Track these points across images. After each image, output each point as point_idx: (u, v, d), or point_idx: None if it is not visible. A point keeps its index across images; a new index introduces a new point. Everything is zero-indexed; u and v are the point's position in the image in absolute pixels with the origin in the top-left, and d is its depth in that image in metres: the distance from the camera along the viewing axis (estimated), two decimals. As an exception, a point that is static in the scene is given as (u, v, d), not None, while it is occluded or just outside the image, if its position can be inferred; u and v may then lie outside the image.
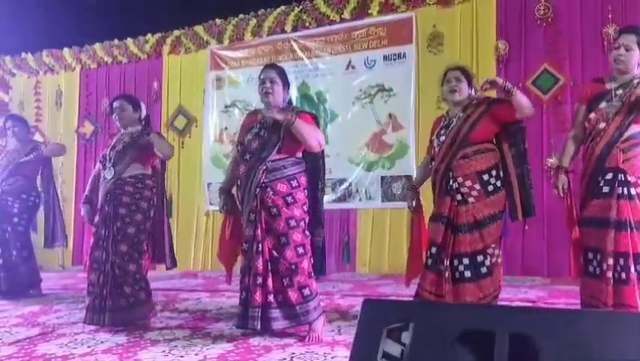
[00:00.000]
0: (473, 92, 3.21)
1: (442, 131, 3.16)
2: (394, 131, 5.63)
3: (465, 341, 1.29)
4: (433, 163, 3.19)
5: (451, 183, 3.06)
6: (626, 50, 2.84)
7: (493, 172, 3.05)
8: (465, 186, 3.03)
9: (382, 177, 5.65)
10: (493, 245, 3.02)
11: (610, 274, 2.72)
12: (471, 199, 3.01)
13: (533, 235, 4.92)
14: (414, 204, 3.31)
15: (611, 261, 2.72)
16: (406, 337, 1.33)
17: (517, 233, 4.96)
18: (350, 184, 5.78)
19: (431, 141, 3.29)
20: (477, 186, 3.02)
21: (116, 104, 3.64)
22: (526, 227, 4.92)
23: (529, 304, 3.64)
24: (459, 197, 3.03)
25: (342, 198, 5.81)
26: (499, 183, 3.04)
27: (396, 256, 5.41)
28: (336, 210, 5.76)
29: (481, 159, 3.04)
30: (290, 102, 3.31)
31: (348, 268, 5.68)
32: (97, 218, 3.47)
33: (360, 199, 5.75)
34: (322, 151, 3.17)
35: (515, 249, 4.98)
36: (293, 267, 2.95)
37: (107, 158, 3.53)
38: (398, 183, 5.55)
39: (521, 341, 1.23)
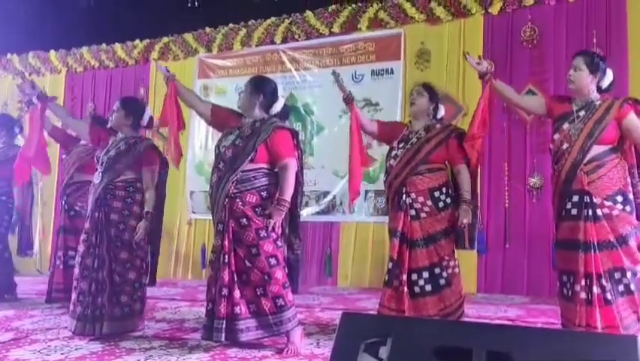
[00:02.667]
0: (441, 112, 3.37)
1: (401, 145, 3.26)
2: (380, 145, 5.64)
3: (442, 357, 1.28)
4: (387, 177, 3.29)
5: (404, 198, 3.18)
6: (574, 70, 2.95)
7: (444, 189, 3.20)
8: (418, 202, 3.17)
9: (366, 191, 5.66)
10: (447, 257, 3.16)
11: (583, 295, 2.76)
12: (423, 215, 3.16)
13: (514, 253, 4.95)
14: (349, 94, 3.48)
15: (583, 282, 2.76)
16: (383, 352, 1.33)
17: (497, 251, 5.00)
18: (334, 197, 5.78)
19: (387, 128, 3.48)
20: (429, 202, 3.16)
21: (115, 104, 3.59)
22: (507, 245, 4.96)
23: (508, 323, 3.65)
24: (412, 212, 3.17)
25: (326, 211, 5.81)
26: (448, 200, 3.20)
27: (378, 271, 5.40)
28: (320, 222, 5.75)
29: (433, 177, 3.20)
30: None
31: (330, 281, 5.67)
32: (86, 225, 3.38)
33: (343, 212, 5.75)
34: (300, 166, 3.17)
35: (495, 267, 5.01)
36: (266, 277, 2.92)
37: (99, 161, 3.47)
38: (382, 197, 5.55)
39: (498, 359, 1.23)
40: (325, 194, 5.80)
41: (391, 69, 5.66)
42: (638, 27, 4.70)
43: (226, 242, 2.93)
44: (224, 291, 2.90)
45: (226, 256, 2.92)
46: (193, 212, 6.35)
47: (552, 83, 5.00)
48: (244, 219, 2.93)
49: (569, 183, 2.85)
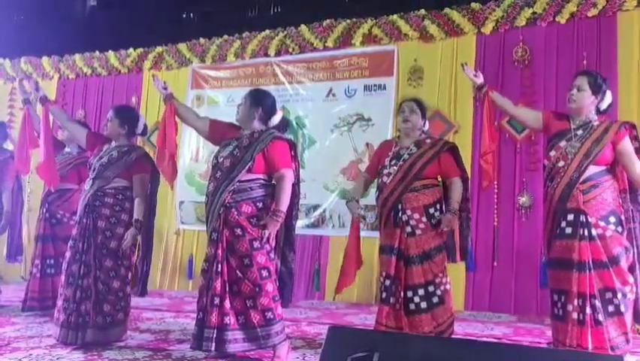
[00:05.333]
0: (427, 126, 3.37)
1: (393, 162, 3.25)
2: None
3: (429, 373, 1.28)
4: (380, 194, 3.27)
5: (400, 215, 3.17)
6: (578, 91, 2.97)
7: (438, 205, 3.21)
8: (413, 219, 3.17)
9: (356, 206, 5.65)
10: (440, 274, 3.15)
11: (575, 315, 2.76)
12: (418, 231, 3.16)
13: (502, 271, 4.95)
14: (361, 212, 3.39)
15: (575, 302, 2.76)
16: (369, 367, 1.32)
17: (485, 269, 5.00)
18: (324, 211, 5.77)
19: (375, 164, 3.42)
20: (424, 219, 3.16)
21: (108, 113, 3.59)
22: (495, 263, 4.96)
23: (494, 341, 3.65)
24: (408, 229, 3.16)
25: (316, 224, 5.79)
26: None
27: (366, 286, 5.39)
28: (309, 235, 5.74)
29: (428, 193, 3.20)
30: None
31: (317, 295, 5.63)
32: (74, 231, 3.36)
33: (333, 226, 5.74)
34: (297, 178, 3.18)
35: (483, 285, 5.01)
36: (257, 289, 2.90)
37: (91, 168, 3.45)
38: (372, 212, 5.55)
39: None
40: (315, 207, 5.79)
41: (384, 85, 5.69)
42: (628, 50, 4.76)
43: (219, 251, 2.92)
44: (216, 300, 2.88)
45: (219, 265, 2.91)
46: (182, 222, 6.30)
47: (542, 103, 5.04)
48: (239, 229, 2.92)
49: (563, 201, 2.86)
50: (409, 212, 3.15)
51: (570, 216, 2.85)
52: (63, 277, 3.30)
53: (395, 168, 3.22)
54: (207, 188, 3.07)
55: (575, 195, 2.84)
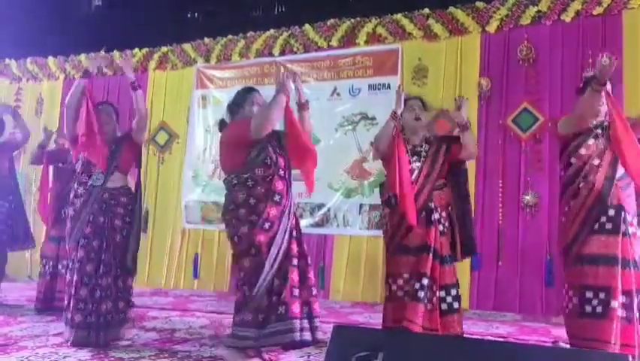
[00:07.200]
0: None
1: (415, 158, 3.21)
2: (375, 159, 5.66)
3: (433, 372, 1.28)
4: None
5: (433, 213, 3.12)
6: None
7: (450, 207, 3.22)
8: (442, 218, 3.14)
9: (361, 205, 5.66)
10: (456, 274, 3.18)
11: (621, 312, 2.72)
12: (445, 230, 3.13)
13: (506, 270, 4.95)
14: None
15: (621, 299, 2.73)
16: (374, 366, 1.32)
17: (490, 268, 4.99)
18: (328, 210, 5.78)
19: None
20: (447, 218, 3.18)
21: (108, 113, 3.55)
22: (500, 262, 4.96)
23: (500, 340, 3.64)
24: (440, 228, 3.13)
25: (320, 223, 5.80)
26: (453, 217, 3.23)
27: (371, 285, 5.40)
28: (313, 234, 5.74)
29: (447, 192, 3.21)
30: None
31: (322, 294, 5.64)
32: (87, 229, 3.27)
33: (337, 225, 5.75)
34: None
35: (488, 284, 5.00)
36: (314, 286, 3.01)
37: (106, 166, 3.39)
38: (377, 211, 5.56)
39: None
40: (320, 206, 5.80)
41: (388, 84, 5.69)
42: (633, 49, 4.75)
43: (294, 246, 2.99)
44: (296, 292, 2.88)
45: (294, 260, 2.96)
46: (187, 222, 6.32)
47: (547, 102, 5.03)
48: (298, 231, 3.11)
49: (604, 197, 2.85)
50: (439, 210, 3.13)
51: (611, 212, 2.84)
52: (75, 277, 3.23)
53: (418, 164, 3.18)
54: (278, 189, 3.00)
55: (614, 191, 2.85)
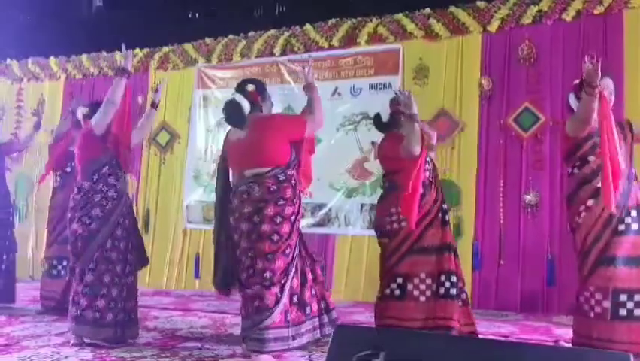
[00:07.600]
0: None
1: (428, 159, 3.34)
2: (376, 159, 5.66)
3: (435, 371, 1.28)
4: (427, 191, 3.22)
5: (447, 214, 3.28)
6: (610, 93, 3.02)
7: None
8: (447, 215, 3.32)
9: (362, 204, 5.66)
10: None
11: None
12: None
13: (508, 269, 4.95)
14: None
15: None
16: (376, 365, 1.33)
17: (491, 268, 5.00)
18: (329, 209, 5.78)
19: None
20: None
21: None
22: (501, 262, 4.96)
23: (501, 339, 3.65)
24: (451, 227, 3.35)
25: (321, 223, 5.80)
26: None
27: (372, 284, 5.38)
28: (314, 234, 5.75)
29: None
30: None
31: (323, 293, 5.65)
32: (118, 231, 3.34)
33: (338, 225, 5.75)
34: None
35: (489, 283, 5.00)
36: (323, 281, 3.17)
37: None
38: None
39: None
40: (321, 206, 5.80)
41: (389, 84, 5.69)
42: (635, 48, 4.74)
43: (303, 245, 3.14)
44: (314, 291, 3.05)
45: (306, 261, 3.10)
46: (188, 222, 6.33)
47: (548, 101, 5.03)
48: None
49: (624, 197, 2.82)
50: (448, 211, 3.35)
51: (634, 212, 2.82)
52: (107, 278, 3.26)
53: (428, 165, 3.27)
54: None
55: (634, 191, 2.86)
